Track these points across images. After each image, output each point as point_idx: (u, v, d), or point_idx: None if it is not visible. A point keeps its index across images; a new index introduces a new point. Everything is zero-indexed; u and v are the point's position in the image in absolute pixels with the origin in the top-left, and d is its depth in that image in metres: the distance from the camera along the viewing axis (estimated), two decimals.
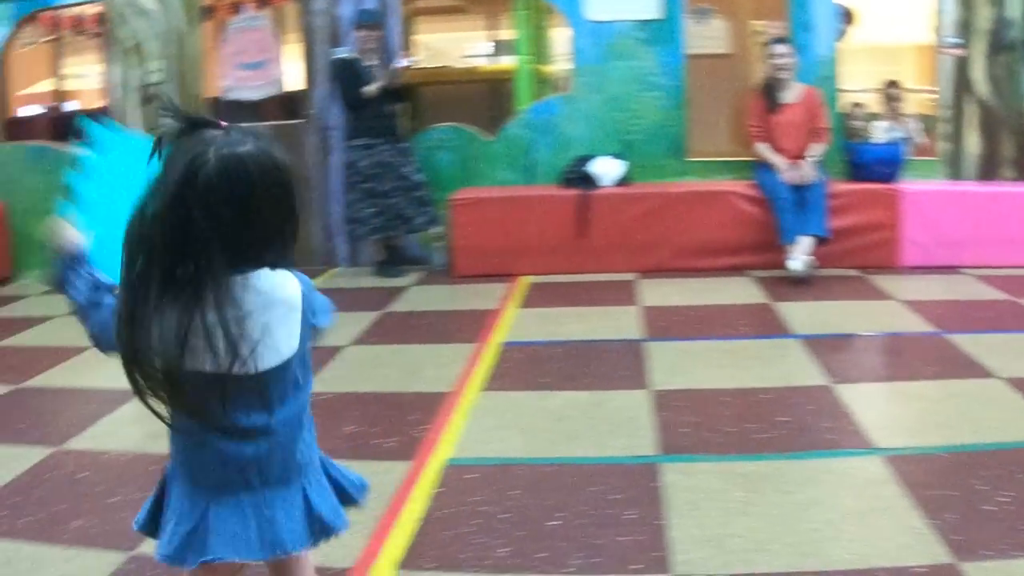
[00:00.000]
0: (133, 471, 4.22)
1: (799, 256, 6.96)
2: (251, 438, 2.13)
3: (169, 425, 2.15)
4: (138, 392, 2.05)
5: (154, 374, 2.03)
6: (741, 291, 6.86)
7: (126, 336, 2.03)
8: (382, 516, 3.54)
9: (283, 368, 2.11)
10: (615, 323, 6.14)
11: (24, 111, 13.33)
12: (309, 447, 2.25)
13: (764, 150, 7.48)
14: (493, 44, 16.19)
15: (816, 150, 7.36)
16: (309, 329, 2.16)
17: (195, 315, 1.98)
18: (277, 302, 2.08)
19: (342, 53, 8.18)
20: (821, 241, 7.12)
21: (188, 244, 1.97)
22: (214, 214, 1.97)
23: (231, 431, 2.11)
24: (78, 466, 4.33)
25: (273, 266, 2.09)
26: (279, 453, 2.16)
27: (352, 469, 2.39)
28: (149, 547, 2.88)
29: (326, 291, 6.40)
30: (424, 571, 3.15)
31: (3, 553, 3.49)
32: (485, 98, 10.75)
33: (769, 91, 7.53)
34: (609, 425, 4.36)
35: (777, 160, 7.38)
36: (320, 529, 2.22)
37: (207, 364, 2.01)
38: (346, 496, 2.33)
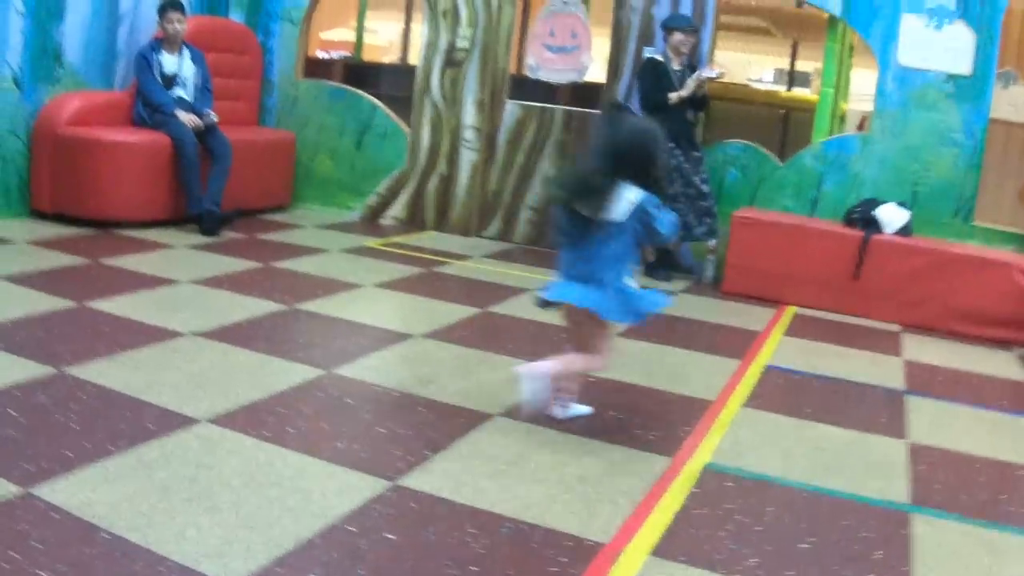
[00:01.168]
0: (402, 409, 4.50)
1: None
2: (584, 256, 4.27)
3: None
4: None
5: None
6: (1005, 365, 6.73)
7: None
8: (640, 502, 3.72)
9: (611, 224, 4.18)
10: (877, 369, 6.14)
11: (321, 54, 14.07)
12: (612, 277, 4.27)
13: None
14: (779, 71, 16.09)
15: None
16: (635, 220, 4.20)
17: (600, 193, 4.19)
18: (624, 198, 4.17)
19: (652, 53, 8.33)
20: None
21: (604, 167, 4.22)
22: (611, 158, 4.21)
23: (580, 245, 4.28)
24: (346, 392, 4.64)
25: (640, 187, 4.19)
26: (597, 267, 4.26)
27: None
28: (413, 481, 3.17)
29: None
30: (675, 562, 3.27)
31: (268, 455, 3.78)
32: (778, 124, 10.78)
33: None
34: (865, 465, 4.41)
35: None
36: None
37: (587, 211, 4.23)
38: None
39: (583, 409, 4.63)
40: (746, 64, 18.58)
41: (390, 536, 3.23)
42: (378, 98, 9.95)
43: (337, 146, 9.84)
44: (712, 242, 8.27)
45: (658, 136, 4.29)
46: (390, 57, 17.34)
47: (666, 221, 4.27)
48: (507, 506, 3.57)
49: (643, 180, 4.20)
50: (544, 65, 9.18)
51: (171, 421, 4.01)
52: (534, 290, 4.29)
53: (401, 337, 5.62)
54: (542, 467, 3.97)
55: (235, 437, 3.93)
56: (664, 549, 3.37)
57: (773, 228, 7.90)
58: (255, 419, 4.14)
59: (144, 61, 8.21)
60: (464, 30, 9.30)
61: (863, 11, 8.18)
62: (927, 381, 6.04)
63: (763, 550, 3.45)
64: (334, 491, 3.53)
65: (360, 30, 14.49)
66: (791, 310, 7.59)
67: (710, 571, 3.25)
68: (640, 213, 4.18)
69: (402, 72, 11.79)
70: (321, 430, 4.12)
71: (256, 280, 6.66)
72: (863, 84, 10.13)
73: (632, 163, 4.19)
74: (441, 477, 3.76)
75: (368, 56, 15.61)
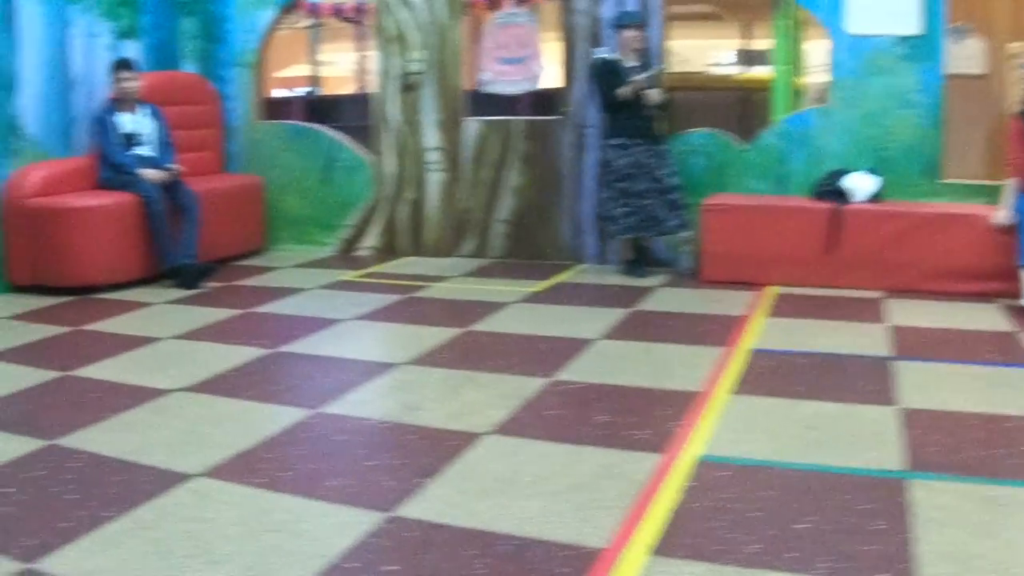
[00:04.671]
0: (391, 439, 4.52)
1: None
2: None
3: None
4: None
5: None
6: (988, 318, 6.76)
7: None
8: (636, 503, 3.72)
9: None
10: (863, 339, 6.16)
11: (280, 93, 14.07)
12: None
13: (1010, 187, 7.31)
14: (739, 53, 16.11)
15: None
16: None
17: None
18: None
19: (603, 53, 8.35)
20: None
21: None
22: None
23: None
24: (335, 429, 4.64)
25: None
26: None
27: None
28: (408, 510, 3.20)
29: (573, 284, 6.84)
30: (676, 559, 3.29)
31: (262, 503, 3.79)
32: (738, 106, 10.81)
33: None
34: (857, 437, 4.43)
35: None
36: None
37: None
38: None
39: None
40: (706, 50, 18.61)
41: (391, 568, 3.24)
42: (343, 130, 9.96)
43: (304, 184, 9.85)
44: (685, 233, 8.29)
45: None
46: (351, 87, 17.33)
47: None
48: (503, 524, 3.58)
49: None
50: (498, 77, 9.20)
51: (164, 479, 4.01)
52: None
53: (385, 367, 5.62)
54: (534, 481, 3.97)
55: (229, 488, 3.93)
56: (664, 548, 3.38)
57: (744, 211, 7.93)
58: (247, 467, 4.14)
59: (101, 124, 8.22)
60: (415, 53, 9.32)
61: None
62: (913, 344, 6.06)
63: (763, 535, 3.46)
64: (331, 530, 3.54)
65: (315, 64, 14.49)
66: (772, 291, 7.61)
67: (712, 563, 3.26)
68: None
69: (363, 101, 11.80)
70: (313, 470, 4.12)
71: (237, 328, 6.67)
72: (823, 57, 10.14)
73: None
74: (435, 502, 3.77)
75: (333, 88, 15.59)
